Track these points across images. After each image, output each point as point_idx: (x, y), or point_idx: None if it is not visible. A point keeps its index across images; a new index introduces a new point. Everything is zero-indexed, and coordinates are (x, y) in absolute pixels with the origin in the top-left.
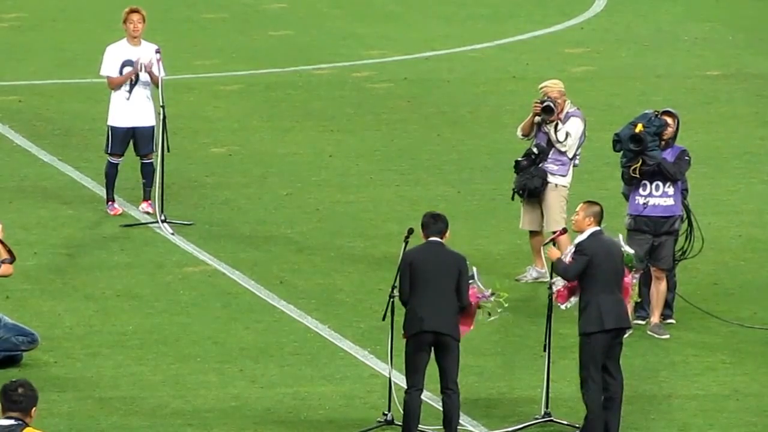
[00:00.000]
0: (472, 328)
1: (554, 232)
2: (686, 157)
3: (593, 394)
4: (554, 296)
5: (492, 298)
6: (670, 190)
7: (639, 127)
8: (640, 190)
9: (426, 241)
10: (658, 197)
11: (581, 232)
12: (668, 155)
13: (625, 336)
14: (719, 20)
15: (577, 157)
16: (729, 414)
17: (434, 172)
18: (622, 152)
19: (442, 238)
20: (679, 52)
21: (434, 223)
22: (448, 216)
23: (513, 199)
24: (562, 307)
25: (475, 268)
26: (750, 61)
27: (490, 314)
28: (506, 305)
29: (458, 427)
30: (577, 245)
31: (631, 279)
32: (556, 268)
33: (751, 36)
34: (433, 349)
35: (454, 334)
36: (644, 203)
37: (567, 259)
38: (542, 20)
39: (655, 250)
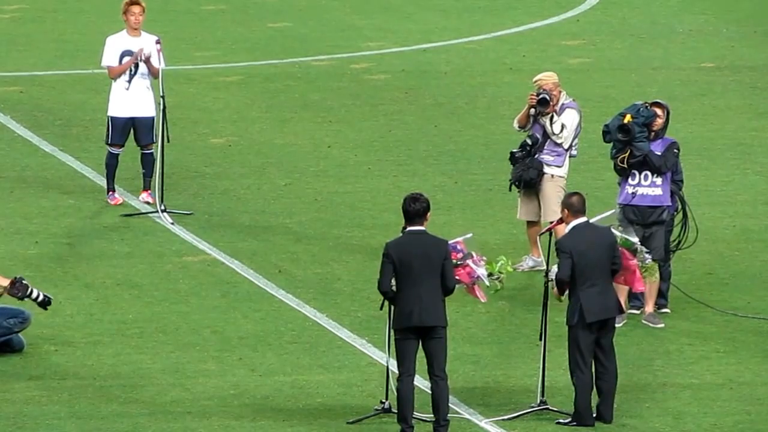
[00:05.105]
0: (482, 299)
1: (551, 223)
2: (675, 150)
3: (581, 382)
4: (554, 289)
5: (487, 280)
6: (659, 181)
7: (627, 118)
8: (629, 180)
9: (408, 232)
10: (647, 187)
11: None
12: (657, 147)
13: (619, 325)
14: (714, 12)
15: (574, 147)
16: (723, 402)
17: (431, 162)
18: (611, 143)
19: (423, 224)
20: (674, 44)
21: (414, 208)
22: (444, 206)
23: (510, 190)
24: (560, 300)
25: (462, 243)
26: (744, 53)
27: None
28: (499, 288)
29: (455, 416)
30: (557, 244)
31: (639, 260)
32: (557, 284)
33: (745, 28)
34: (420, 337)
35: (440, 323)
36: (633, 193)
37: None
38: (539, 12)
39: (647, 241)
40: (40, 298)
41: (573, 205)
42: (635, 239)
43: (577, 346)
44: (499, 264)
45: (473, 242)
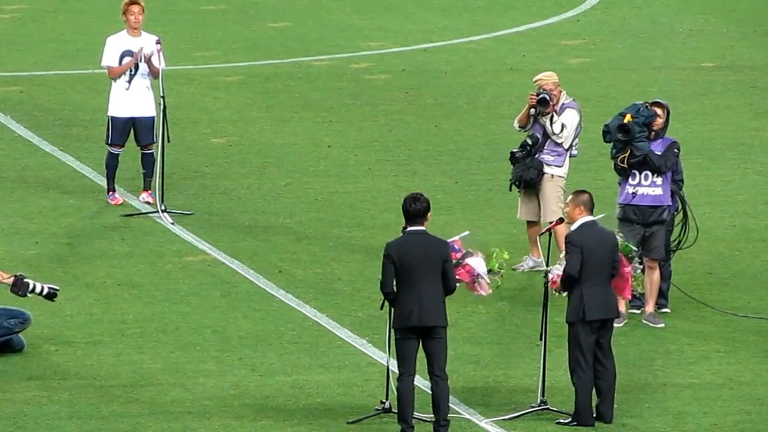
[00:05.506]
0: (482, 293)
1: (551, 223)
2: (675, 150)
3: (582, 381)
4: (549, 284)
5: (488, 277)
6: (659, 180)
7: (627, 118)
8: (630, 180)
9: (408, 232)
10: (647, 187)
11: (573, 222)
12: (658, 146)
13: (619, 325)
14: (714, 12)
15: (575, 147)
16: (723, 402)
17: (431, 162)
18: (611, 143)
19: (423, 224)
20: (674, 44)
21: (414, 209)
22: (445, 206)
23: (510, 189)
24: (558, 294)
25: (459, 242)
26: (744, 52)
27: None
28: (499, 283)
29: (455, 416)
30: (567, 237)
31: (632, 269)
32: (562, 281)
33: (745, 28)
34: (421, 337)
35: (440, 323)
36: (633, 192)
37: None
38: (539, 12)
39: (647, 241)
40: (45, 291)
41: (586, 202)
42: (634, 247)
43: (578, 345)
44: (494, 255)
45: (470, 240)
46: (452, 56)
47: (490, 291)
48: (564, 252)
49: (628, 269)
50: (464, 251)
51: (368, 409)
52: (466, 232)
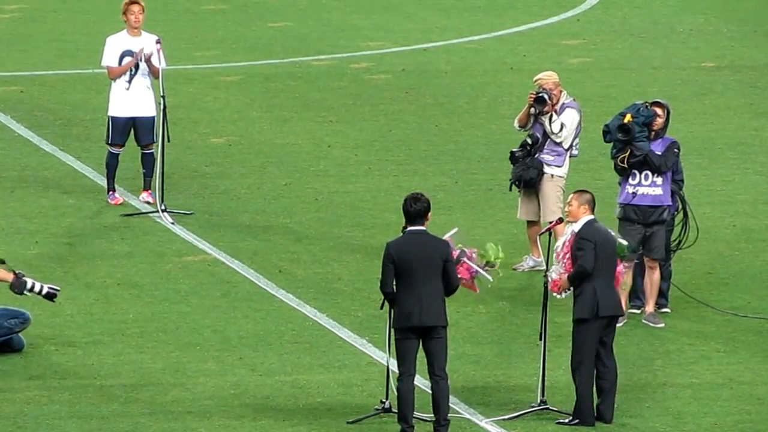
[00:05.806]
0: (477, 291)
1: (551, 222)
2: (675, 149)
3: (585, 380)
4: (549, 286)
5: (486, 270)
6: (659, 180)
7: (627, 118)
8: (630, 180)
9: (408, 232)
10: (647, 187)
11: (576, 221)
12: (658, 146)
13: (619, 325)
14: (714, 12)
15: (575, 147)
16: (723, 402)
17: (432, 162)
18: (611, 143)
19: (423, 224)
20: (674, 44)
21: (415, 209)
22: (445, 206)
23: (510, 189)
24: (558, 296)
25: (451, 240)
26: (744, 52)
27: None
28: (499, 275)
29: (455, 416)
30: (579, 234)
31: (622, 269)
32: (573, 278)
33: (745, 28)
34: (421, 337)
35: (440, 323)
36: (633, 192)
37: (560, 248)
38: (539, 12)
39: (647, 240)
40: (44, 291)
41: (590, 201)
42: (626, 247)
43: (584, 343)
44: (489, 251)
45: (462, 237)
46: (452, 56)
47: (479, 290)
48: (558, 250)
49: (619, 269)
50: (458, 250)
51: (368, 408)
52: (455, 229)
